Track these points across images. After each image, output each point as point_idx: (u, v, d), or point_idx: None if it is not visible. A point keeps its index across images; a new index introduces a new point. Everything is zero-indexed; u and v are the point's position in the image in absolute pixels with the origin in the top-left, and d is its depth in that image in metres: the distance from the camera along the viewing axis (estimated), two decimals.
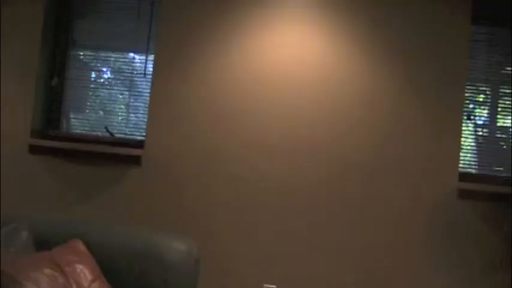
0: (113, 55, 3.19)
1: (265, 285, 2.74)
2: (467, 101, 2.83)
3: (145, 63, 3.05)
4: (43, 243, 1.68)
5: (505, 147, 2.83)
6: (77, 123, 3.16)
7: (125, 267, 1.73)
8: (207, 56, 2.88)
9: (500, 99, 2.87)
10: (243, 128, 2.83)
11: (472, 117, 2.86)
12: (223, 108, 2.85)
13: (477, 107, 2.90)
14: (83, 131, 3.11)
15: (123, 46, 3.13)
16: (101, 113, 3.15)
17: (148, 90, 2.97)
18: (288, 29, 2.84)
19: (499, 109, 2.87)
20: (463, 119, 2.76)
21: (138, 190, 2.88)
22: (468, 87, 2.81)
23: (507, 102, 2.84)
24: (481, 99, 2.91)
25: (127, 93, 3.12)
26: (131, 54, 3.14)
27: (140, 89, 3.08)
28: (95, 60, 3.20)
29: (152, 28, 3.02)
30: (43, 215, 1.96)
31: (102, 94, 3.17)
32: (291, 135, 2.79)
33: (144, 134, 2.96)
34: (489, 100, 2.91)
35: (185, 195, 2.84)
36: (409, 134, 2.73)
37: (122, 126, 3.09)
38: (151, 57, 3.01)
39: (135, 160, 2.88)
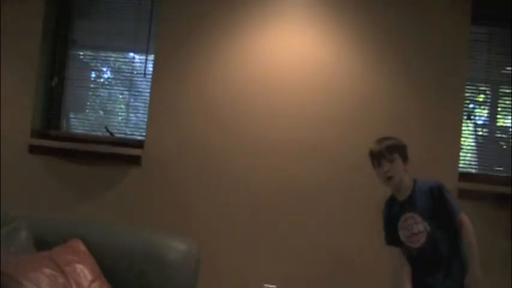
0: (113, 55, 3.19)
1: (265, 285, 2.74)
2: (467, 101, 2.83)
3: (145, 63, 3.05)
4: (43, 243, 1.68)
5: (505, 147, 2.83)
6: (77, 123, 3.16)
7: (125, 267, 1.73)
8: (207, 56, 2.88)
9: (500, 99, 2.87)
10: (242, 128, 2.83)
11: (472, 117, 2.86)
12: (223, 108, 2.85)
13: (477, 107, 2.90)
14: (83, 131, 3.11)
15: (123, 46, 3.13)
16: (101, 113, 3.15)
17: (148, 90, 2.97)
18: (288, 29, 2.84)
19: (499, 109, 2.87)
20: (463, 119, 2.76)
21: (138, 190, 2.87)
22: (468, 87, 2.81)
23: (507, 102, 2.83)
24: (481, 99, 2.91)
25: (127, 93, 3.12)
26: (131, 54, 3.14)
27: (140, 89, 3.08)
28: (94, 60, 3.20)
29: (152, 28, 3.01)
30: (43, 215, 1.97)
31: (102, 94, 3.17)
32: (291, 136, 2.79)
33: (144, 134, 2.96)
34: (489, 100, 2.91)
35: (185, 195, 2.84)
36: (409, 133, 2.72)
37: (122, 126, 3.09)
38: (151, 57, 3.01)
39: (135, 160, 2.88)
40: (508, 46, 2.80)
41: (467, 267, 1.99)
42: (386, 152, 2.10)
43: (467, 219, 2.02)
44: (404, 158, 2.13)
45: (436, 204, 2.05)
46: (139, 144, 2.94)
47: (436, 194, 2.06)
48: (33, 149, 2.95)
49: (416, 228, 2.07)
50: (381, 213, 2.26)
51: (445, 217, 2.04)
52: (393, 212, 2.18)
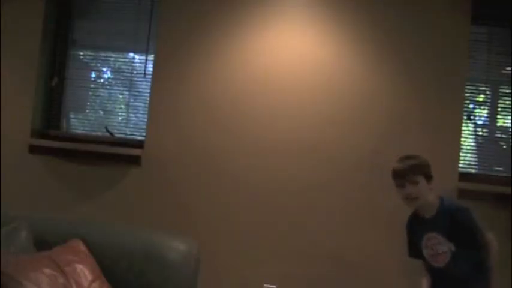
0: (113, 55, 3.19)
1: (265, 285, 2.74)
2: (467, 101, 2.83)
3: (145, 63, 3.05)
4: (43, 243, 1.68)
5: (505, 147, 2.83)
6: (77, 123, 3.16)
7: (125, 267, 1.73)
8: (207, 56, 2.88)
9: (500, 99, 2.87)
10: (242, 128, 2.82)
11: (472, 117, 2.86)
12: (223, 108, 2.85)
13: (477, 107, 2.90)
14: (83, 131, 3.11)
15: (123, 46, 3.13)
16: (101, 113, 3.15)
17: (148, 90, 2.97)
18: (288, 29, 2.84)
19: (499, 109, 2.87)
20: (463, 119, 2.76)
21: (138, 190, 2.87)
22: (468, 87, 2.81)
23: (507, 102, 2.83)
24: (481, 99, 2.91)
25: (127, 93, 3.12)
26: (131, 54, 3.14)
27: (140, 89, 3.08)
28: (95, 60, 3.20)
29: (152, 28, 3.01)
30: (43, 215, 1.97)
31: (102, 94, 3.17)
32: (291, 136, 2.79)
33: (144, 134, 2.96)
34: (489, 100, 2.91)
35: (185, 195, 2.84)
36: (409, 134, 2.72)
37: (122, 126, 3.09)
38: (151, 57, 3.01)
39: (135, 160, 2.88)
40: (508, 46, 2.80)
41: (490, 285, 1.97)
42: (410, 173, 2.03)
43: (493, 239, 1.99)
44: (429, 178, 2.05)
45: (461, 227, 1.99)
46: (139, 144, 2.94)
47: (462, 219, 1.99)
48: (33, 149, 2.95)
49: (440, 248, 2.02)
50: (404, 227, 2.21)
51: (471, 238, 1.99)
52: (417, 228, 2.14)
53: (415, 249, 2.16)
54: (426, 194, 2.05)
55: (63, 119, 3.14)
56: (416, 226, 2.15)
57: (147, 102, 2.96)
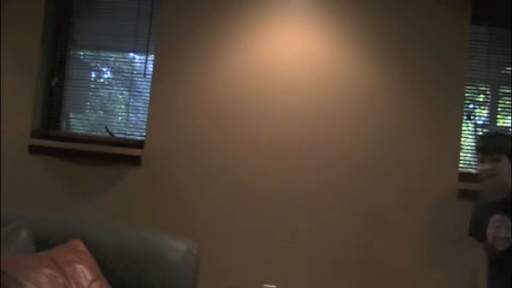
0: (113, 55, 3.20)
1: (265, 285, 2.74)
2: (467, 101, 2.83)
3: (145, 63, 3.05)
4: (43, 243, 1.69)
5: None
6: (77, 123, 3.17)
7: (124, 267, 1.73)
8: (207, 56, 2.88)
9: (500, 99, 2.87)
10: (243, 128, 2.82)
11: (472, 117, 2.86)
12: (224, 108, 2.85)
13: (477, 107, 2.90)
14: (83, 131, 3.11)
15: (123, 46, 3.13)
16: (101, 113, 3.15)
17: (148, 90, 2.97)
18: (288, 29, 2.83)
19: (499, 109, 2.86)
20: (463, 119, 2.76)
21: (138, 190, 2.87)
22: (468, 87, 2.81)
23: (507, 102, 2.83)
24: (481, 99, 2.91)
25: (127, 93, 3.12)
26: (131, 54, 3.14)
27: (140, 89, 3.08)
28: (95, 60, 3.20)
29: (152, 28, 3.01)
30: (43, 215, 1.97)
31: (102, 94, 3.17)
32: (291, 136, 2.79)
33: (144, 134, 2.96)
34: (489, 100, 2.91)
35: (185, 195, 2.84)
36: (409, 134, 2.72)
37: (122, 126, 3.09)
38: (151, 57, 3.01)
39: (135, 160, 2.88)
40: (508, 46, 2.80)
41: None
42: (492, 150, 1.97)
43: None
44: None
45: None
46: (139, 144, 2.94)
47: None
48: (33, 149, 2.95)
49: (504, 232, 1.96)
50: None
51: None
52: (485, 207, 2.09)
53: (476, 229, 2.10)
54: (505, 174, 1.98)
55: (63, 119, 3.14)
56: (486, 204, 2.09)
57: (147, 102, 2.96)
